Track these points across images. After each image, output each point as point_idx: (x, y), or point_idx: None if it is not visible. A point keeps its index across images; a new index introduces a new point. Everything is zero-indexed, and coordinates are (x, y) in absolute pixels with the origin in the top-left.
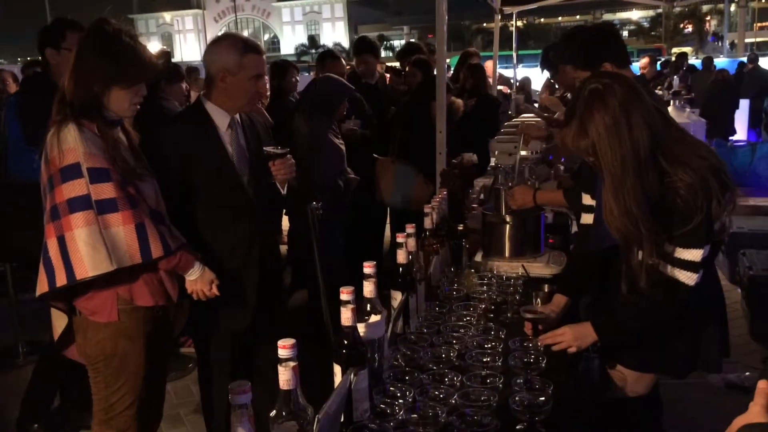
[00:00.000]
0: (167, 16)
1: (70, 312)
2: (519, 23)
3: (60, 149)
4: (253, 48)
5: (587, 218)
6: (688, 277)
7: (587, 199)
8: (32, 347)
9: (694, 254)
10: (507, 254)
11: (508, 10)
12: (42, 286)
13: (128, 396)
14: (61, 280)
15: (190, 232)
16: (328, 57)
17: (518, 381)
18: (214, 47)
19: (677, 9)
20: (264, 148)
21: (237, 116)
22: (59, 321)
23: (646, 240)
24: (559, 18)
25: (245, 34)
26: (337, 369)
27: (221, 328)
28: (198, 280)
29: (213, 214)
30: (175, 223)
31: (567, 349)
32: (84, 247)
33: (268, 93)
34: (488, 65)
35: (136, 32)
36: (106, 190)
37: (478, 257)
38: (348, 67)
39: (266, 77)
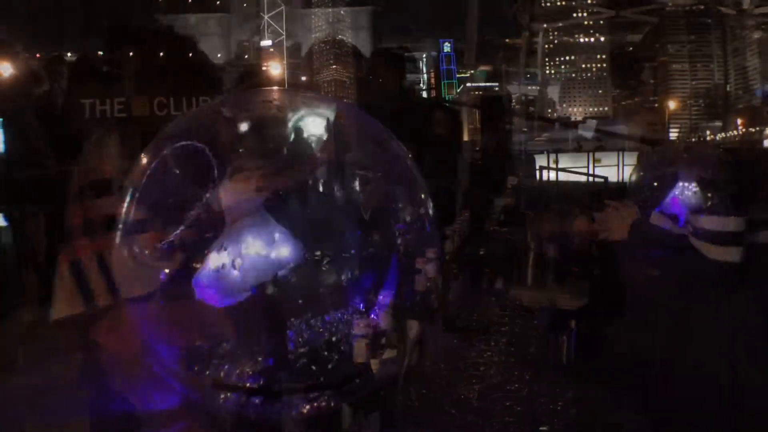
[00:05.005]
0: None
1: None
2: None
3: None
4: None
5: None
6: None
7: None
8: None
9: None
10: (530, 283)
11: (536, 26)
12: None
13: None
14: None
15: None
16: None
17: (544, 430)
18: None
19: None
20: None
21: None
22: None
23: None
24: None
25: None
26: (347, 409)
27: None
28: None
29: None
30: None
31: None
32: None
33: None
34: None
35: None
36: None
37: (500, 284)
38: None
39: None
